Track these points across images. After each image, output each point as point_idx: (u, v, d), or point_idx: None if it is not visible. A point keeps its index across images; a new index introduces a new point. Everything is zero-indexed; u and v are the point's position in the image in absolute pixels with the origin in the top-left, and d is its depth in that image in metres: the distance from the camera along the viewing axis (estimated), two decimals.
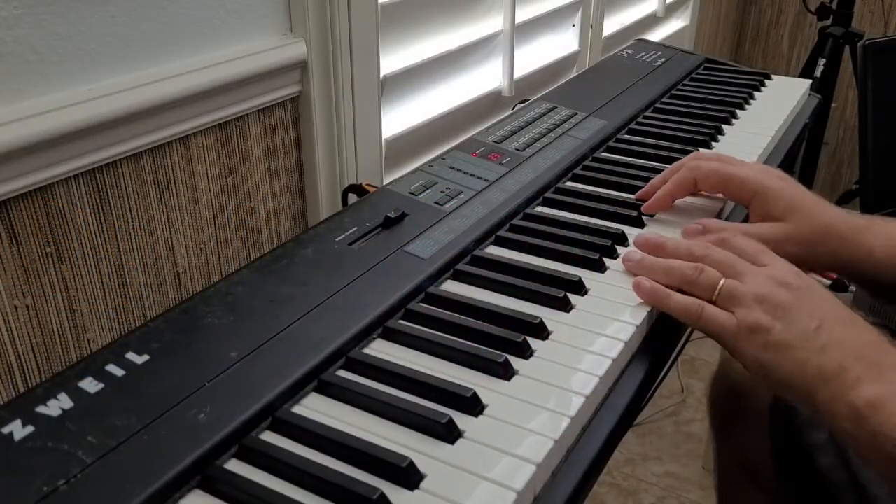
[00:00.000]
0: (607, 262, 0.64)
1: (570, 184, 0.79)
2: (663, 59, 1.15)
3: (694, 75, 1.12)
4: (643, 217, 0.72)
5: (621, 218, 0.72)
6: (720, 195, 0.74)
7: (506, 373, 0.51)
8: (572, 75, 1.33)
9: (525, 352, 0.53)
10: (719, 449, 0.93)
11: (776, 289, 0.55)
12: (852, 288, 0.86)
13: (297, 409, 0.48)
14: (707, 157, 0.73)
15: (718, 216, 0.74)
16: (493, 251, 0.66)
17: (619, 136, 0.91)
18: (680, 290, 0.59)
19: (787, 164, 0.92)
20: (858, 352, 0.52)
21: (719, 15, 2.42)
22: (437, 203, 0.70)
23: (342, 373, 0.51)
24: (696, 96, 1.03)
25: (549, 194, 0.76)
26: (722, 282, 0.57)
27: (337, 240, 0.63)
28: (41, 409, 0.44)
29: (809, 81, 1.11)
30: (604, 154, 0.86)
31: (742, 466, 0.86)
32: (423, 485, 0.42)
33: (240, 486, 0.42)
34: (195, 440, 0.43)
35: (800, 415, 0.74)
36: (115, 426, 0.43)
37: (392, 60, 1.00)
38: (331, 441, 0.45)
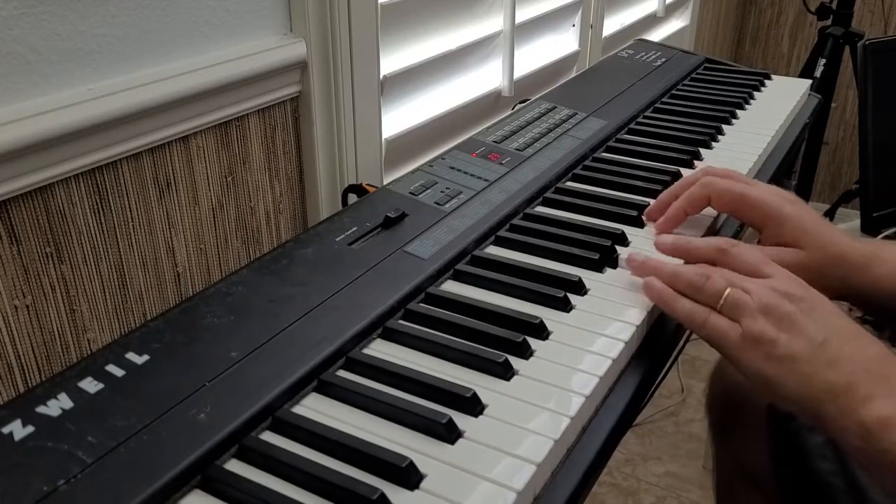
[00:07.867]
0: (607, 262, 0.64)
1: (570, 184, 0.79)
2: (663, 59, 1.15)
3: (694, 75, 1.12)
4: (642, 218, 0.72)
5: (621, 218, 0.72)
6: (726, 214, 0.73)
7: (506, 373, 0.51)
8: (572, 75, 1.33)
9: (525, 352, 0.53)
10: (718, 452, 0.92)
11: (780, 300, 0.54)
12: None
13: (297, 409, 0.48)
14: (719, 173, 0.71)
15: (711, 226, 0.72)
16: (493, 251, 0.66)
17: (619, 136, 0.91)
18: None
19: (787, 164, 0.92)
20: (866, 366, 0.51)
21: (719, 15, 2.42)
22: (437, 203, 0.70)
23: (342, 373, 0.51)
24: (696, 96, 1.03)
25: (549, 194, 0.76)
26: (728, 290, 0.56)
27: (337, 240, 0.63)
28: (41, 409, 0.44)
29: (809, 81, 1.11)
30: (604, 154, 0.86)
31: (740, 469, 0.86)
32: (423, 485, 0.42)
33: (240, 486, 0.42)
34: (195, 440, 0.43)
35: (797, 418, 0.74)
36: (115, 426, 0.43)
37: (392, 60, 1.00)
38: (331, 441, 0.45)
